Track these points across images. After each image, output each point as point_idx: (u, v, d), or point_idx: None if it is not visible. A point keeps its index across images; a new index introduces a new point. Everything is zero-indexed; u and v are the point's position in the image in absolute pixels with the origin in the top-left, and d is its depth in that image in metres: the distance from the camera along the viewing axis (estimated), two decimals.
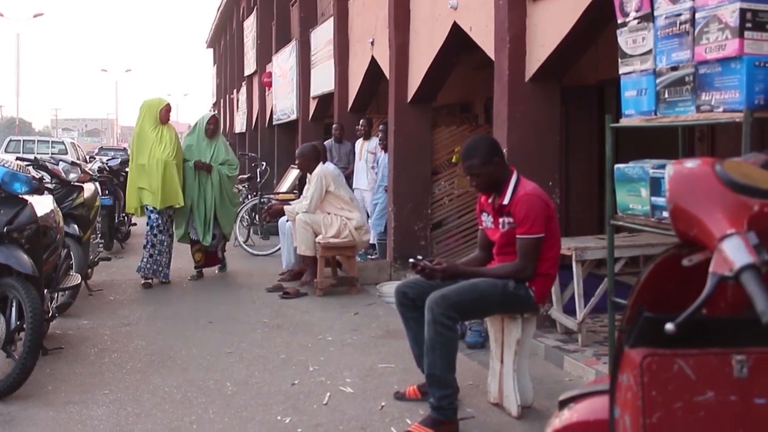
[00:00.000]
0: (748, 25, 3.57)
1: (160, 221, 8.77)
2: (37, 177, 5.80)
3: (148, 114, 8.77)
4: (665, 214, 3.92)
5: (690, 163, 1.85)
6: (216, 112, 9.14)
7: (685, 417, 1.80)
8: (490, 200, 4.56)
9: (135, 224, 12.76)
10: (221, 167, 9.19)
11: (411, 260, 4.46)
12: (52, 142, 28.08)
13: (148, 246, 8.75)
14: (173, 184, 8.71)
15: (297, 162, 9.00)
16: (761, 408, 1.79)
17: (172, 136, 8.88)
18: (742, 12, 3.56)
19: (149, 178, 8.60)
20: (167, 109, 8.88)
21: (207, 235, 9.11)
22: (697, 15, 3.79)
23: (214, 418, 4.47)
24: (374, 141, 10.96)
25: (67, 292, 6.59)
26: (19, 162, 5.91)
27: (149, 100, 8.99)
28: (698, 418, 1.79)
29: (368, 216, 10.41)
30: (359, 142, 11.39)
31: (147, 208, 8.74)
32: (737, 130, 6.18)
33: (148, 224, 8.78)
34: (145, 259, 8.74)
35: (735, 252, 1.62)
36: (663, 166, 4.01)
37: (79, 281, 6.58)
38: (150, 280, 8.70)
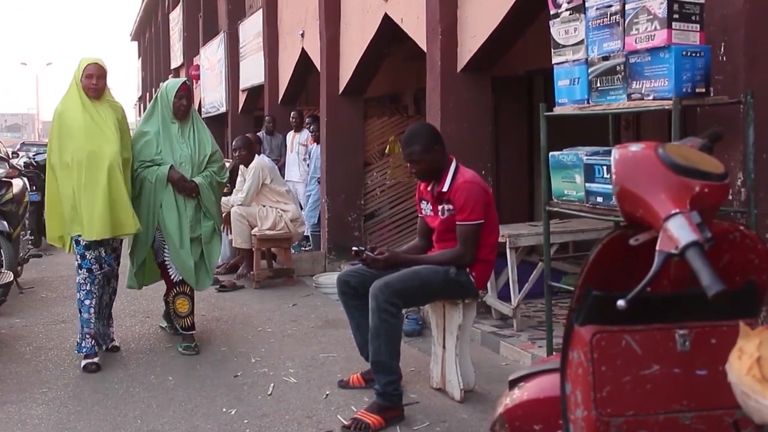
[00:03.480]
0: (676, 16, 3.71)
1: (103, 258, 5.44)
2: None
3: (73, 84, 5.46)
4: (599, 199, 4.06)
5: (634, 147, 1.94)
6: (187, 79, 6.84)
7: (633, 390, 1.89)
8: (429, 188, 4.63)
9: None
10: (209, 172, 5.76)
11: (354, 249, 4.55)
12: None
13: (90, 304, 5.40)
14: (121, 201, 5.30)
15: (237, 154, 8.86)
16: (703, 379, 1.90)
17: (111, 119, 5.41)
18: (670, 3, 3.70)
19: (79, 194, 5.24)
20: (89, 72, 5.37)
21: (207, 276, 5.80)
22: (627, 6, 3.91)
23: (159, 412, 4.45)
24: (306, 133, 10.97)
25: None
26: None
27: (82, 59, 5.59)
28: (645, 390, 1.89)
29: (301, 208, 10.43)
30: (291, 135, 11.39)
31: (79, 243, 5.34)
32: (661, 117, 6.39)
33: (83, 267, 5.36)
34: (87, 327, 5.38)
35: (680, 230, 1.71)
36: (596, 153, 4.14)
37: (11, 279, 6.46)
38: (95, 358, 5.35)
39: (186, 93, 5.76)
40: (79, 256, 5.37)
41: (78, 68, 5.44)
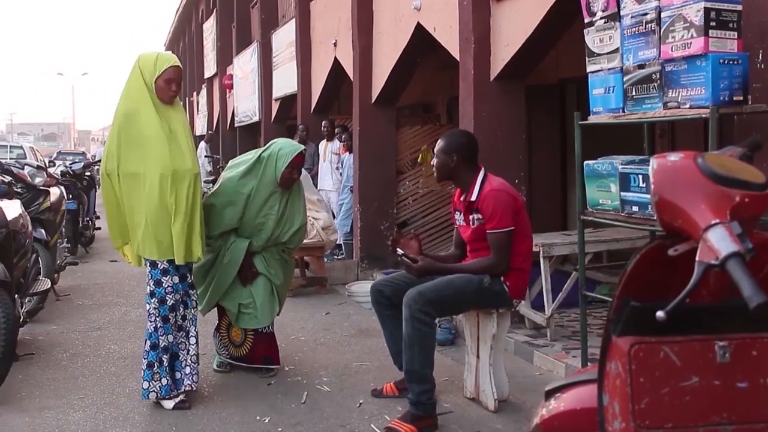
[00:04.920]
0: (713, 23, 3.68)
1: (179, 284, 4.76)
2: (6, 181, 5.73)
3: (142, 83, 4.61)
4: (635, 208, 4.02)
5: (673, 157, 1.92)
6: (304, 149, 5.24)
7: (671, 402, 1.86)
8: (461, 198, 4.63)
9: (99, 228, 12.61)
10: (278, 256, 5.38)
11: (398, 250, 4.60)
12: (10, 146, 27.62)
13: (173, 345, 4.75)
14: (198, 224, 4.73)
15: None
16: (743, 391, 1.87)
17: (186, 127, 4.80)
18: (707, 11, 3.66)
19: (161, 211, 4.58)
20: (170, 77, 4.61)
21: (270, 306, 5.35)
22: (662, 14, 3.88)
23: (193, 420, 4.48)
24: (338, 142, 11.01)
25: (36, 297, 6.53)
26: None
27: (145, 56, 4.73)
28: (684, 402, 1.86)
29: (334, 216, 10.45)
30: (323, 144, 11.43)
31: (156, 266, 4.67)
32: (696, 126, 6.32)
33: (156, 295, 4.69)
34: (162, 372, 4.68)
35: (720, 241, 1.68)
36: (632, 162, 4.11)
37: (49, 286, 6.53)
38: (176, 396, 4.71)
39: (299, 165, 5.26)
40: (153, 282, 4.69)
41: (152, 66, 4.62)
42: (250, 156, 5.32)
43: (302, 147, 5.39)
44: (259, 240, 5.25)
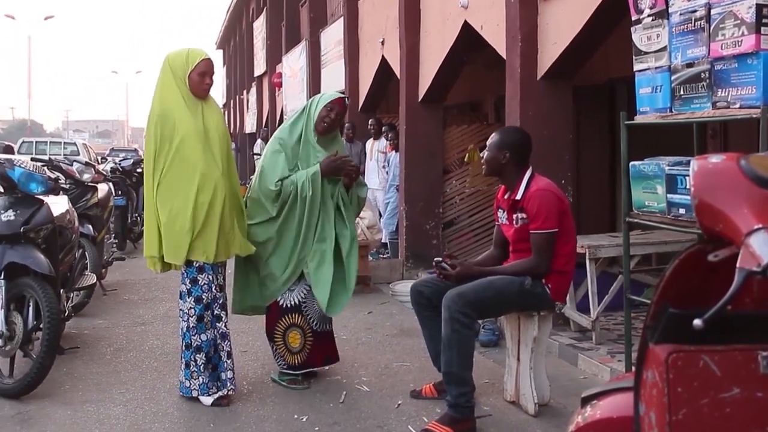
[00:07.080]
0: (765, 20, 3.56)
1: (214, 283, 4.72)
2: (53, 177, 5.81)
3: (171, 79, 4.62)
4: (682, 211, 3.93)
5: (714, 159, 1.84)
6: (346, 95, 5.88)
7: (711, 413, 1.79)
8: (506, 196, 4.57)
9: None
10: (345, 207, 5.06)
11: (436, 260, 4.56)
12: (64, 143, 28.16)
13: (206, 343, 4.68)
14: (241, 216, 4.90)
15: None
16: None
17: (220, 124, 4.77)
18: (759, 7, 3.55)
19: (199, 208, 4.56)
20: (202, 70, 4.62)
21: (340, 300, 5.00)
22: (712, 11, 3.78)
23: (231, 417, 4.48)
24: (384, 141, 10.98)
25: (82, 291, 6.61)
26: (34, 162, 5.95)
27: (173, 54, 4.71)
28: (724, 414, 1.79)
29: (380, 215, 10.42)
30: (370, 142, 11.42)
31: (191, 264, 4.65)
32: (750, 127, 6.16)
33: (192, 294, 4.66)
34: (199, 371, 4.67)
35: (763, 247, 1.61)
36: (679, 164, 4.01)
37: (95, 281, 6.62)
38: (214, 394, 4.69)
39: (338, 108, 4.95)
40: (189, 281, 4.67)
41: (184, 61, 4.62)
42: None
43: (345, 96, 5.21)
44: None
